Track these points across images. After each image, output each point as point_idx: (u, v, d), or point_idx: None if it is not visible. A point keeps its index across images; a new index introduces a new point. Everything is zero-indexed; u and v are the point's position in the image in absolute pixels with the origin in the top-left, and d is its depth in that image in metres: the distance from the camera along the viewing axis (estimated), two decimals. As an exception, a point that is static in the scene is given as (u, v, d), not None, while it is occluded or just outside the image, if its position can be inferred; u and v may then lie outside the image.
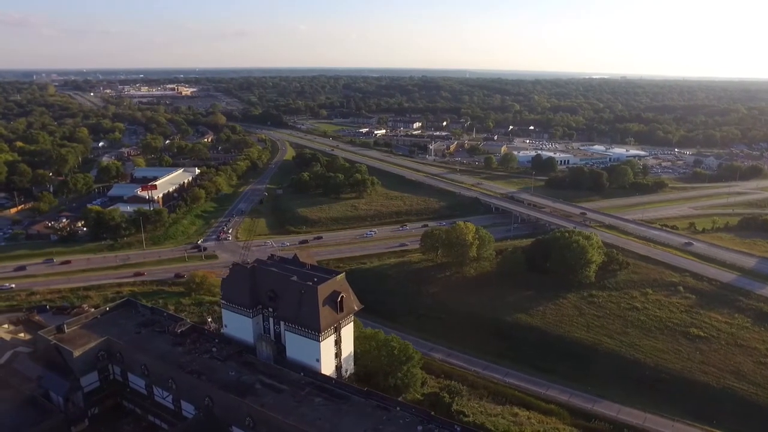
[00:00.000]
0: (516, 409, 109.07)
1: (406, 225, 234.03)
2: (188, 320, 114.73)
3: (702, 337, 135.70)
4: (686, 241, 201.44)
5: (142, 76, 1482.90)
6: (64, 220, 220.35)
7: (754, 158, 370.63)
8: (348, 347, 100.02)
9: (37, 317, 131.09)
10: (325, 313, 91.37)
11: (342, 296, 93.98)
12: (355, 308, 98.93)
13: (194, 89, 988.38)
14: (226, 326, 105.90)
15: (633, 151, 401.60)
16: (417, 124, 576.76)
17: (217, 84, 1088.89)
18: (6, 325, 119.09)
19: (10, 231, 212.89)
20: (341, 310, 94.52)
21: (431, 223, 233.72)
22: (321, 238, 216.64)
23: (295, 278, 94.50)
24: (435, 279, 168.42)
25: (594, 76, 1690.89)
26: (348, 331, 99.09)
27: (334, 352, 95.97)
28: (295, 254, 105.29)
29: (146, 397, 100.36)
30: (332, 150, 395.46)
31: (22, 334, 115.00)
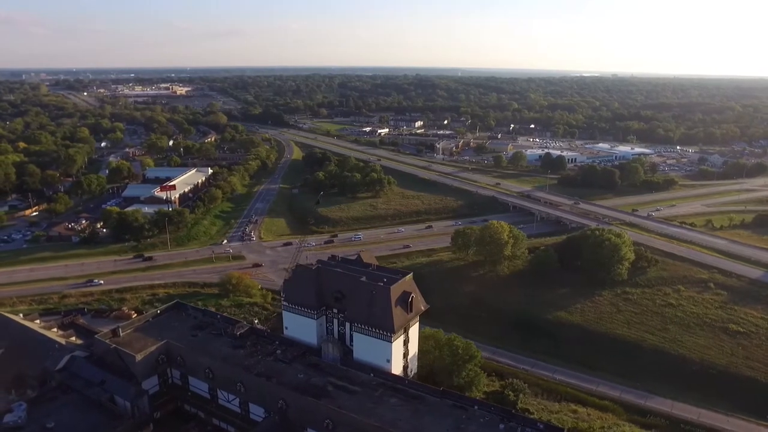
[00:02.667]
0: (573, 406, 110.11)
1: (431, 226, 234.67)
2: (245, 322, 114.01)
3: (742, 332, 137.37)
4: (707, 237, 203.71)
5: (133, 75, 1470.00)
6: (83, 222, 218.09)
7: (757, 156, 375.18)
8: (413, 347, 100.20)
9: (81, 320, 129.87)
10: (397, 313, 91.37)
11: (412, 296, 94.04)
12: (422, 308, 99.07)
13: (189, 88, 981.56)
14: (287, 328, 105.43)
15: (638, 149, 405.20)
16: (419, 123, 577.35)
17: (212, 83, 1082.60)
18: (55, 329, 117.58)
19: (29, 233, 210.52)
20: (411, 310, 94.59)
21: (450, 222, 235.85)
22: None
23: (364, 279, 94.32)
24: (470, 277, 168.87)
25: (585, 74, 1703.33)
26: (414, 331, 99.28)
27: (402, 352, 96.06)
28: (359, 254, 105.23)
29: (209, 400, 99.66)
30: (341, 149, 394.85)
31: (73, 338, 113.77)
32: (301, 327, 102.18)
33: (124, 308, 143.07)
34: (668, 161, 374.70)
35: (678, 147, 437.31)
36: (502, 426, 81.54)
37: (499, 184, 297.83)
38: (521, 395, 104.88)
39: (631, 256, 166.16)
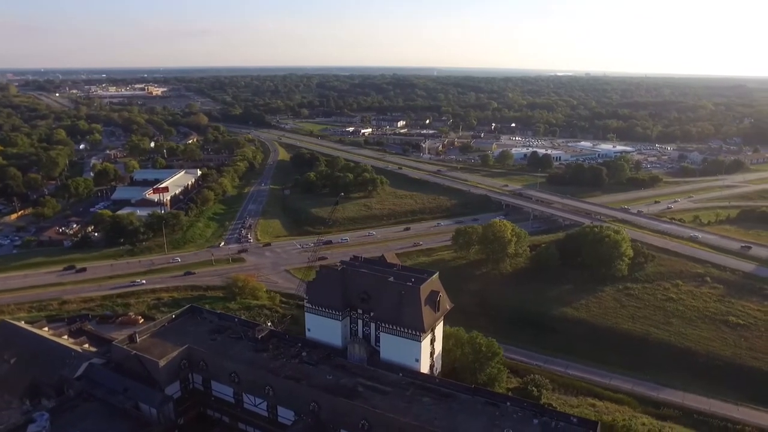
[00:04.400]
0: (591, 400, 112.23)
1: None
2: (264, 325, 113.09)
3: (742, 324, 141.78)
4: (694, 234, 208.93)
5: (104, 75, 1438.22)
6: (74, 226, 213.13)
7: (734, 153, 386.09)
8: (438, 346, 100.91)
9: (89, 327, 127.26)
10: (427, 312, 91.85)
11: (440, 295, 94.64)
12: (448, 307, 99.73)
13: (165, 89, 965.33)
14: (309, 330, 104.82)
15: (620, 147, 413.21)
16: (401, 123, 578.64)
17: (188, 83, 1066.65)
18: (65, 337, 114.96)
19: (17, 238, 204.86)
20: (438, 309, 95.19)
21: (446, 221, 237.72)
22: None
23: (392, 279, 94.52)
24: (473, 276, 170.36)
25: (559, 73, 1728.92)
26: (439, 330, 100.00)
27: (429, 351, 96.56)
28: (383, 255, 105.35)
29: (234, 405, 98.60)
30: (328, 149, 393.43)
31: (86, 345, 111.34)
32: (324, 328, 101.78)
33: (131, 313, 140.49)
34: (649, 158, 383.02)
35: (657, 145, 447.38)
36: (536, 421, 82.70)
37: (507, 186, 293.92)
38: (544, 391, 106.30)
39: (630, 252, 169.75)
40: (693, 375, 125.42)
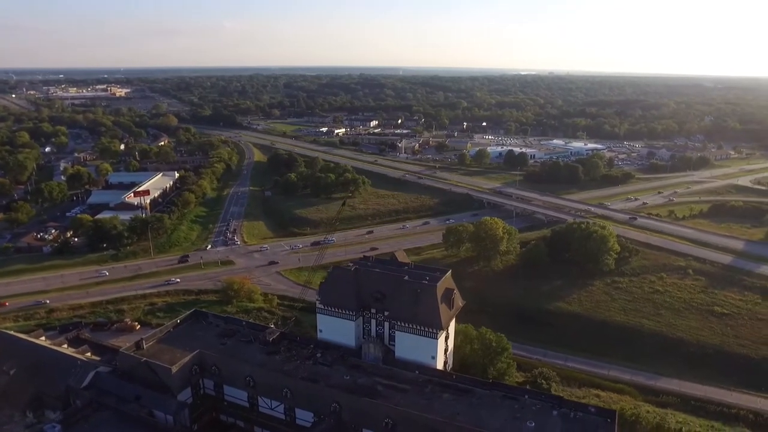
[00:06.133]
0: (594, 391, 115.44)
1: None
2: (273, 327, 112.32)
3: (726, 314, 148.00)
4: (672, 227, 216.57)
5: (62, 76, 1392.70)
6: (53, 231, 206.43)
7: (698, 150, 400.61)
8: (451, 343, 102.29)
9: (86, 334, 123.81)
10: (443, 310, 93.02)
11: (454, 293, 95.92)
12: (460, 304, 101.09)
13: (128, 90, 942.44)
14: (321, 331, 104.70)
15: (591, 145, 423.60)
16: (374, 123, 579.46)
17: (152, 84, 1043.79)
18: (65, 346, 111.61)
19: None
20: (452, 306, 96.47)
21: (432, 220, 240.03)
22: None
23: (407, 278, 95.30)
24: (466, 274, 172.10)
25: (523, 72, 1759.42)
26: (452, 327, 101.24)
27: (444, 348, 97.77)
28: (393, 254, 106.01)
29: (248, 408, 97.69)
30: (298, 149, 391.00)
31: (89, 353, 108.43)
32: (337, 329, 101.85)
33: (127, 320, 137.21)
34: (620, 156, 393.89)
35: (626, 142, 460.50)
36: (555, 412, 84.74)
37: (502, 189, 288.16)
38: (553, 384, 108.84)
39: (617, 247, 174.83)
40: (686, 363, 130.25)
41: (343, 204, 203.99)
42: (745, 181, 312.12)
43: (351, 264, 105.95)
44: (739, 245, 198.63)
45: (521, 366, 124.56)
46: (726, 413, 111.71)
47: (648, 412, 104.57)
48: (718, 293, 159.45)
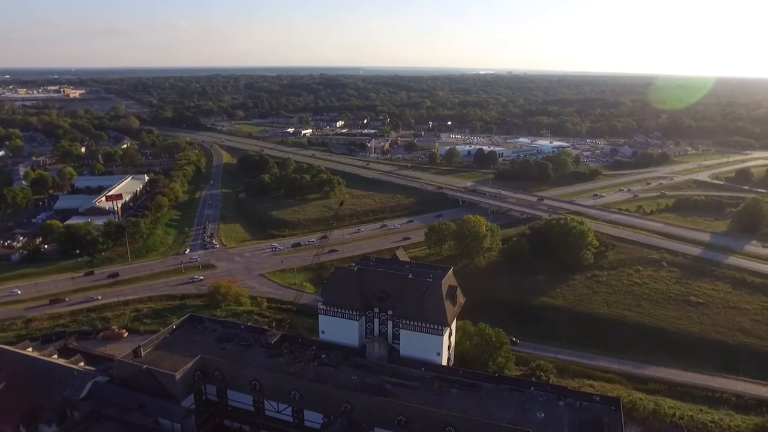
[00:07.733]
0: (587, 381, 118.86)
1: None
2: (274, 329, 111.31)
3: (702, 303, 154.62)
4: (648, 222, 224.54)
5: (8, 76, 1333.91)
6: (21, 238, 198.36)
7: (658, 146, 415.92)
8: (453, 338, 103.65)
9: (74, 343, 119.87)
10: (448, 307, 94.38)
11: (457, 290, 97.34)
12: (462, 301, 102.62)
13: (82, 91, 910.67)
14: (323, 332, 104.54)
15: (556, 143, 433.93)
16: (340, 123, 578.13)
17: (107, 85, 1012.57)
18: (55, 356, 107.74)
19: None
20: (456, 303, 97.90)
21: (416, 219, 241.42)
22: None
23: (411, 276, 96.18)
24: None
25: (482, 71, 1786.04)
26: (454, 323, 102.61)
27: (448, 344, 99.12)
28: (395, 254, 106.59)
29: (254, 413, 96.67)
30: (266, 150, 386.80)
31: (81, 363, 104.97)
32: (340, 329, 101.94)
33: (114, 327, 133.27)
34: (584, 153, 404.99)
35: (588, 140, 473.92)
36: (562, 402, 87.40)
37: (492, 192, 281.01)
38: (551, 376, 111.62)
39: (596, 242, 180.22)
40: (669, 352, 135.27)
41: (341, 204, 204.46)
42: (704, 176, 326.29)
43: (353, 264, 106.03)
44: (705, 237, 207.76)
45: (515, 360, 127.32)
46: (711, 397, 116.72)
47: (640, 399, 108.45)
48: (692, 284, 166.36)
